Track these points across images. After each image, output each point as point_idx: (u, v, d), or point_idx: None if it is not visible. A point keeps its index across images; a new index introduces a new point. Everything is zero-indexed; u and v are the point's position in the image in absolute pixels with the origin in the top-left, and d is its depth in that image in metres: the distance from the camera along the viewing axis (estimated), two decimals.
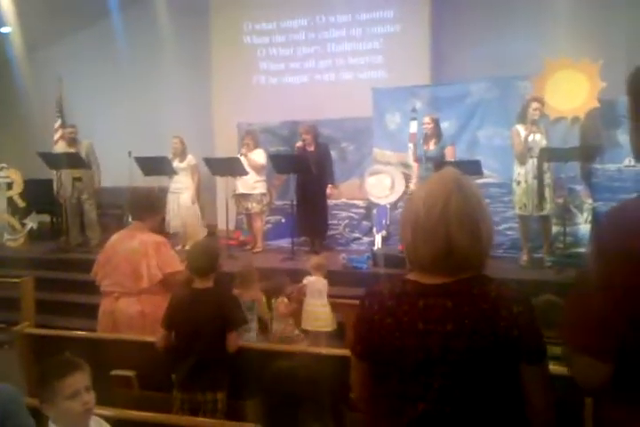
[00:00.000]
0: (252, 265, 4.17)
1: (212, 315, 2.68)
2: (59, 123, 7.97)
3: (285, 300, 3.99)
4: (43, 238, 7.76)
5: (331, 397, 1.86)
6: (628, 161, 6.08)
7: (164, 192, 6.86)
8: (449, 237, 1.31)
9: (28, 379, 2.98)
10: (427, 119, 6.06)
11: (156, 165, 6.65)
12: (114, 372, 2.87)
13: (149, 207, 3.45)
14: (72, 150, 7.00)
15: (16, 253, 7.21)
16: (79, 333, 3.27)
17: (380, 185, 6.84)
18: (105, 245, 3.50)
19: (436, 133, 6.05)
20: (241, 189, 6.80)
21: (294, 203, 6.53)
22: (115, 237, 3.43)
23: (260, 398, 1.86)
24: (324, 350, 2.95)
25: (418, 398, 1.33)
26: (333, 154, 7.05)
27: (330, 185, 6.61)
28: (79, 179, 7.05)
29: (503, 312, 1.28)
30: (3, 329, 3.37)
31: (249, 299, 3.87)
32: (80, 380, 1.85)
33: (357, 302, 4.14)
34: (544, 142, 5.61)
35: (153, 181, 6.70)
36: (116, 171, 7.21)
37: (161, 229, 6.03)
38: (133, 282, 3.24)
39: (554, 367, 2.33)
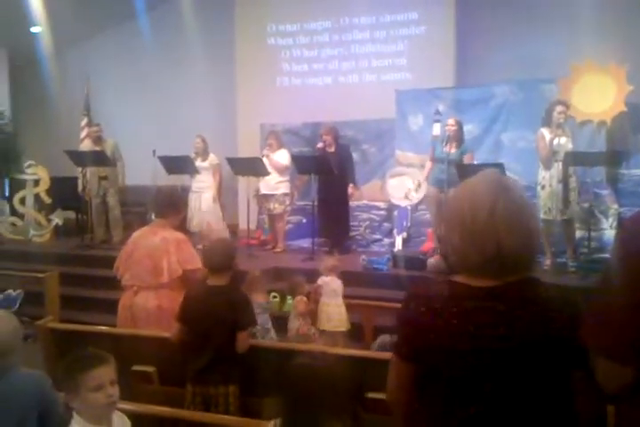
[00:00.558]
0: (258, 272, 4.21)
1: (223, 313, 2.71)
2: (85, 121, 8.12)
3: (304, 298, 4.02)
4: (68, 235, 7.89)
5: (349, 396, 1.87)
6: None
7: (186, 191, 6.94)
8: (498, 242, 1.29)
9: (50, 372, 3.04)
10: (451, 121, 6.03)
11: (178, 164, 6.72)
12: (134, 367, 2.91)
13: (172, 205, 3.52)
14: (97, 149, 7.12)
15: (42, 248, 7.34)
16: (101, 328, 3.33)
17: (402, 187, 6.83)
18: (127, 241, 3.57)
19: (459, 136, 6.01)
20: (263, 190, 6.83)
21: (315, 204, 6.55)
22: (137, 234, 3.50)
23: (279, 395, 1.88)
24: (341, 350, 2.95)
25: (468, 402, 1.32)
26: (355, 155, 7.06)
27: (351, 185, 6.61)
28: (105, 177, 7.18)
29: (554, 315, 1.27)
30: (28, 323, 3.43)
31: (263, 300, 3.92)
32: (105, 373, 1.88)
33: (377, 303, 4.15)
34: (570, 146, 5.55)
35: (176, 180, 6.79)
36: (140, 169, 7.31)
37: (182, 227, 6.12)
38: (153, 277, 3.30)
39: None
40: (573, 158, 5.45)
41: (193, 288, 2.96)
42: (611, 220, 6.05)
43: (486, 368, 1.30)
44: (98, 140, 7.26)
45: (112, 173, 7.21)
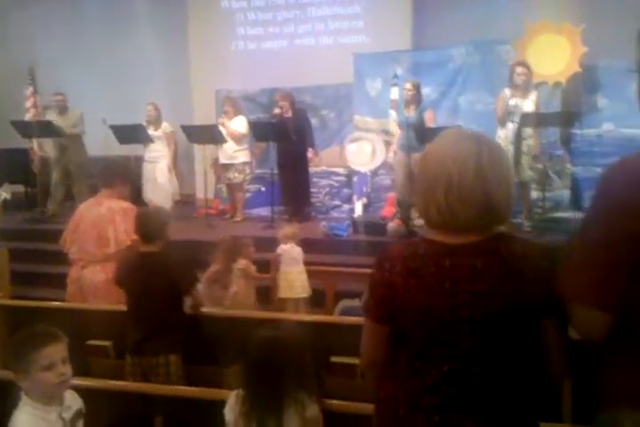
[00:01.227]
0: (248, 239, 4.15)
1: (158, 279, 2.66)
2: (30, 90, 7.71)
3: (247, 263, 3.94)
4: (17, 209, 7.59)
5: (313, 365, 1.85)
6: (607, 126, 6.09)
7: (139, 161, 6.74)
8: (487, 194, 1.29)
9: (1, 350, 2.93)
10: (408, 85, 5.96)
11: (131, 133, 6.50)
12: (90, 342, 2.84)
13: (119, 175, 3.44)
14: (61, 119, 6.80)
15: None
16: (54, 303, 3.24)
17: (361, 152, 6.77)
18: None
19: (417, 99, 5.95)
20: (222, 159, 6.68)
21: (274, 171, 6.45)
22: (83, 205, 3.41)
23: (241, 365, 1.84)
24: (304, 316, 2.94)
25: (444, 359, 1.33)
26: (314, 121, 6.94)
27: (310, 149, 6.52)
28: (65, 147, 6.86)
29: (531, 269, 1.29)
30: None
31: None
32: (57, 351, 1.81)
33: (338, 269, 4.15)
34: (530, 108, 5.52)
35: (129, 150, 6.57)
36: (91, 140, 7.04)
37: (136, 198, 5.95)
38: (100, 248, 3.23)
39: None
40: (529, 119, 5.47)
41: (125, 256, 2.88)
42: (565, 180, 6.17)
43: (462, 325, 1.31)
44: (63, 109, 6.92)
45: (73, 143, 6.88)
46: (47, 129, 6.63)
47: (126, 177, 3.57)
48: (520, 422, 1.35)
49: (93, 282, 3.21)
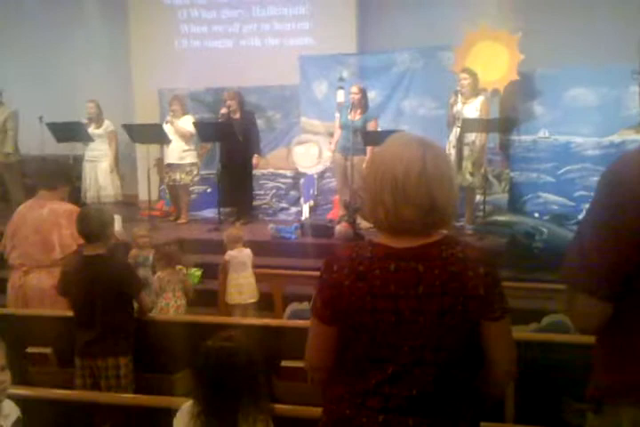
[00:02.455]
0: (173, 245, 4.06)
1: (104, 282, 2.62)
2: None
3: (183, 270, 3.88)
4: None
5: (262, 367, 1.85)
6: (543, 133, 6.36)
7: (78, 161, 6.51)
8: (431, 195, 1.34)
9: None
10: (354, 89, 6.03)
11: (69, 131, 6.27)
12: (30, 349, 2.73)
13: (60, 176, 3.31)
14: None
15: None
16: None
17: (308, 154, 6.81)
18: (12, 215, 3.30)
19: (363, 103, 6.03)
20: (169, 160, 6.52)
21: (219, 172, 6.38)
22: (22, 207, 3.26)
23: (194, 378, 1.82)
24: (254, 320, 2.93)
25: (387, 360, 1.36)
26: (260, 123, 6.90)
27: (255, 155, 6.48)
28: None
29: (470, 273, 1.33)
30: None
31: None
32: None
33: (285, 271, 4.14)
34: (473, 114, 5.63)
35: (66, 149, 6.34)
36: (27, 138, 6.76)
37: (76, 198, 5.75)
38: (44, 254, 3.09)
39: None
40: (469, 124, 5.62)
41: (69, 260, 2.80)
42: (504, 184, 6.39)
43: (406, 326, 1.35)
44: None
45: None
46: None
47: (67, 178, 3.45)
48: (462, 424, 1.40)
49: (39, 288, 3.06)
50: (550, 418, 2.35)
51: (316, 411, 1.65)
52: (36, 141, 6.55)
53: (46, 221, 3.11)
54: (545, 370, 2.47)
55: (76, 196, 6.02)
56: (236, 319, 3.26)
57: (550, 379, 2.46)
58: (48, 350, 2.78)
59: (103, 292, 2.61)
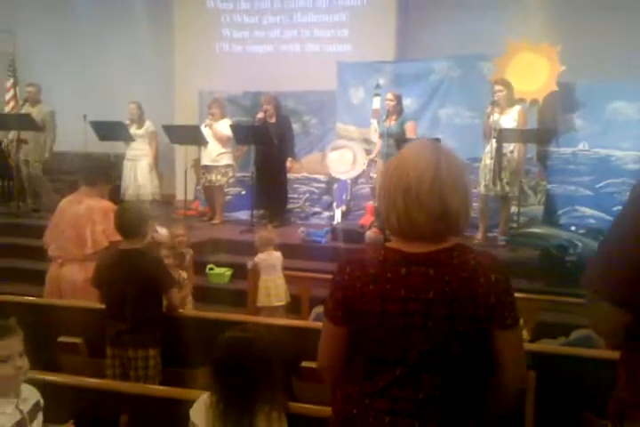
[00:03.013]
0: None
1: (137, 276, 2.69)
2: (11, 82, 7.63)
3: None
4: None
5: (283, 367, 1.89)
6: (583, 145, 6.26)
7: (119, 159, 6.69)
8: (443, 202, 1.35)
9: None
10: (389, 96, 6.05)
11: (111, 130, 6.46)
12: (61, 338, 2.83)
13: (102, 173, 3.41)
14: (30, 110, 6.72)
15: None
16: (24, 298, 3.20)
17: (342, 160, 6.84)
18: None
19: (398, 110, 6.05)
20: (205, 161, 6.65)
21: (254, 175, 6.47)
22: (63, 202, 3.38)
23: (211, 367, 1.87)
24: (277, 320, 2.97)
25: (396, 363, 1.38)
26: (296, 127, 6.99)
27: (289, 159, 6.55)
28: (24, 141, 6.76)
29: (481, 280, 1.34)
30: None
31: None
32: (12, 344, 1.82)
33: (315, 275, 4.17)
34: (511, 125, 5.59)
35: (109, 148, 6.54)
36: (71, 135, 6.98)
37: (115, 196, 5.91)
38: (78, 248, 3.20)
39: None
40: (506, 135, 5.58)
41: (105, 253, 2.89)
42: (539, 196, 6.30)
43: (415, 330, 1.36)
44: (34, 102, 6.83)
45: (34, 138, 6.80)
46: (25, 122, 6.56)
47: (109, 176, 3.55)
48: None
49: (73, 281, 3.17)
50: None
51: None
52: (79, 139, 6.75)
53: (82, 216, 3.21)
54: (567, 384, 2.44)
55: (115, 193, 6.20)
56: (259, 318, 3.30)
57: (572, 393, 2.42)
58: (79, 340, 2.87)
59: (136, 286, 2.68)
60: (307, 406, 1.99)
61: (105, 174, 3.44)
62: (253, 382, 1.82)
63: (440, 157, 1.38)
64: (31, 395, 1.93)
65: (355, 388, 1.44)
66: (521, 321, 3.03)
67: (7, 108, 7.32)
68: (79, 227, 3.20)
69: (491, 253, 1.43)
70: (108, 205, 3.31)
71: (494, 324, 1.36)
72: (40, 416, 1.92)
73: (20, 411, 1.84)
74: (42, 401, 1.96)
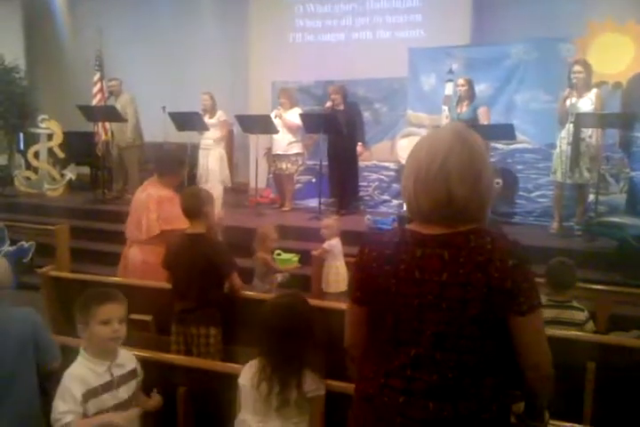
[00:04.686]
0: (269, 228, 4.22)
1: (201, 260, 2.82)
2: (98, 76, 8.08)
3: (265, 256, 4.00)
4: (82, 189, 8.01)
5: (321, 327, 1.95)
6: None
7: (196, 148, 6.96)
8: (449, 189, 1.34)
9: (52, 319, 3.16)
10: (461, 81, 5.92)
11: (188, 121, 6.71)
12: (132, 316, 3.01)
13: (173, 165, 3.57)
14: (115, 103, 7.12)
15: (55, 202, 7.47)
16: (100, 277, 3.44)
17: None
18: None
19: (470, 95, 5.91)
20: (276, 150, 6.79)
21: (324, 163, 6.53)
22: (139, 189, 3.59)
23: (260, 329, 1.97)
24: (332, 304, 3.02)
25: (410, 343, 1.39)
26: (367, 115, 6.98)
27: (360, 144, 6.55)
28: (112, 132, 7.19)
29: (497, 264, 1.32)
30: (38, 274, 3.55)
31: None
32: (115, 310, 2.00)
33: None
34: (588, 108, 5.36)
35: (185, 138, 6.81)
36: (153, 127, 7.32)
37: (192, 183, 6.18)
38: (138, 232, 3.40)
39: (560, 332, 2.35)
40: (585, 119, 5.32)
41: (174, 237, 3.06)
42: (622, 184, 5.97)
43: (429, 312, 1.36)
44: (117, 94, 7.26)
45: (119, 128, 7.21)
46: (110, 113, 6.97)
47: (179, 167, 3.67)
48: (485, 412, 1.36)
49: (134, 262, 3.40)
50: (629, 424, 2.24)
51: None
52: (159, 129, 7.08)
53: (142, 203, 3.42)
54: (628, 376, 2.35)
55: (191, 182, 6.49)
56: (325, 303, 3.36)
57: (633, 386, 2.34)
58: (149, 318, 3.05)
59: (201, 268, 2.82)
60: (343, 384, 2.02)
61: (173, 166, 3.58)
62: (299, 345, 1.91)
63: (454, 143, 1.37)
64: (129, 362, 2.09)
65: (373, 368, 1.46)
66: (586, 313, 2.94)
67: (94, 101, 7.76)
68: (138, 213, 3.43)
69: (510, 238, 1.39)
70: (164, 194, 3.45)
71: (510, 309, 1.33)
72: (133, 383, 2.08)
73: (111, 374, 2.00)
74: (139, 369, 2.11)
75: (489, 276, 1.31)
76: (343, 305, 3.24)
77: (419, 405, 1.37)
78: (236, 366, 2.15)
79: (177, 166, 3.67)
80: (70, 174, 8.01)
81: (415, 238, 1.40)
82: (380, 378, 1.43)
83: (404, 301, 1.39)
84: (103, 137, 7.54)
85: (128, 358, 2.10)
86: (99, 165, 7.65)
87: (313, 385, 1.92)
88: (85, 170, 8.44)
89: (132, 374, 2.09)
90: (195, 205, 2.93)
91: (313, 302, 2.80)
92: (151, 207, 3.35)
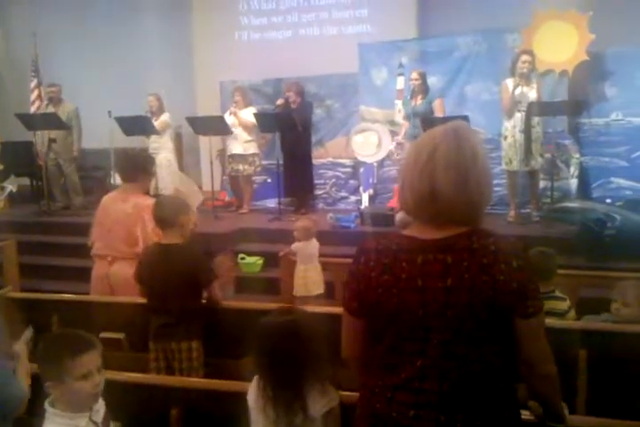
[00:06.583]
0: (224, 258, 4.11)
1: (179, 271, 2.69)
2: (35, 82, 7.69)
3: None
4: (24, 202, 7.61)
5: (325, 352, 1.84)
6: (616, 115, 6.05)
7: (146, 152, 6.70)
8: (432, 182, 1.30)
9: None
10: (414, 75, 5.93)
11: (136, 125, 6.46)
12: (102, 334, 2.84)
13: (142, 168, 3.36)
14: (54, 110, 6.77)
15: None
16: (64, 295, 3.24)
17: (367, 143, 6.75)
18: (97, 207, 3.41)
19: (423, 89, 5.93)
20: (233, 150, 6.62)
21: (280, 162, 6.43)
22: (106, 200, 3.35)
23: (254, 354, 1.83)
24: (315, 308, 2.94)
25: (416, 354, 1.33)
26: (319, 111, 6.94)
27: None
28: (54, 140, 6.83)
29: (502, 266, 1.28)
30: None
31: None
32: (94, 359, 1.72)
33: (346, 260, 4.13)
34: (534, 96, 5.49)
35: (132, 142, 6.54)
36: (97, 132, 7.03)
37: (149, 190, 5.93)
38: (128, 246, 3.17)
39: (548, 321, 2.35)
40: (536, 108, 5.43)
41: (147, 249, 2.88)
42: (572, 169, 6.13)
43: (434, 320, 1.31)
44: (57, 101, 6.89)
45: (62, 136, 6.85)
46: (51, 121, 6.61)
47: (149, 170, 3.47)
48: (498, 422, 1.33)
49: (125, 277, 3.09)
50: (623, 410, 2.26)
51: None
52: (105, 135, 6.79)
53: (131, 215, 3.17)
54: (616, 361, 2.38)
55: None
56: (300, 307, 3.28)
57: (623, 370, 2.36)
58: (121, 336, 2.88)
59: (177, 280, 2.67)
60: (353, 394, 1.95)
61: (144, 169, 3.37)
62: (300, 367, 1.77)
63: (444, 139, 1.33)
64: (101, 406, 1.82)
65: (377, 382, 1.39)
66: (568, 302, 2.96)
67: (33, 109, 7.38)
68: (129, 226, 3.16)
69: (512, 238, 1.36)
70: (150, 202, 3.22)
71: (515, 312, 1.30)
72: (111, 425, 1.85)
73: (94, 423, 1.75)
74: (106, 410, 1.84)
75: (495, 278, 1.27)
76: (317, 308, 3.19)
77: (430, 418, 1.31)
78: (230, 382, 2.04)
79: (149, 170, 3.48)
80: (11, 186, 7.60)
81: (414, 245, 1.34)
82: (386, 392, 1.36)
83: (407, 310, 1.32)
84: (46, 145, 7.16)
85: (100, 403, 1.82)
86: (40, 176, 7.27)
87: (322, 401, 1.79)
88: (25, 181, 8.01)
89: (108, 416, 1.83)
90: (169, 215, 2.77)
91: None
92: (146, 218, 3.11)
